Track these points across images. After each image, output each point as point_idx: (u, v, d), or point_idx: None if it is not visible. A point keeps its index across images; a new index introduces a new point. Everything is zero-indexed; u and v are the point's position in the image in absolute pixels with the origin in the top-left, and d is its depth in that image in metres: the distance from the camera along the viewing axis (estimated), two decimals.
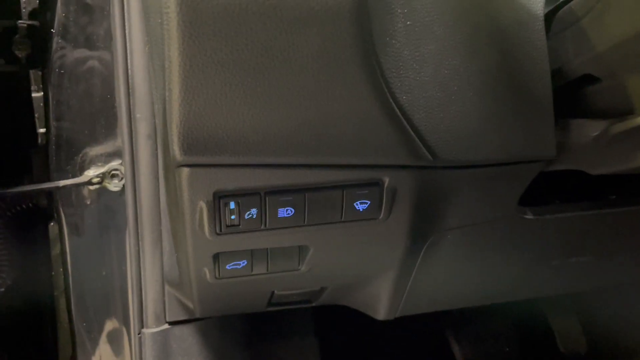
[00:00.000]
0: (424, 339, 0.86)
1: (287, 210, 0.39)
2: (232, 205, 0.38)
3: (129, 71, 0.48)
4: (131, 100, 0.49)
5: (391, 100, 0.36)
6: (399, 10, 0.34)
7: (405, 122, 0.37)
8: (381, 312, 0.56)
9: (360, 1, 0.32)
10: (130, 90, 0.49)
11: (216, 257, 0.43)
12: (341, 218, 0.40)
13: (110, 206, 0.58)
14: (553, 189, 0.50)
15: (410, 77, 0.36)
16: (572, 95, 0.42)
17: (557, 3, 0.41)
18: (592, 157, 0.43)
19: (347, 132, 0.35)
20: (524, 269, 0.54)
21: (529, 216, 0.48)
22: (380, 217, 0.41)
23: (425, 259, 0.50)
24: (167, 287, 0.55)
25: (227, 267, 0.44)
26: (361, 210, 0.40)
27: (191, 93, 0.32)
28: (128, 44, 0.48)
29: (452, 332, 0.87)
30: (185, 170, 0.36)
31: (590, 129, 0.40)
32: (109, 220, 0.59)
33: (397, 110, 0.36)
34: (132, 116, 0.49)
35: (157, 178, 0.50)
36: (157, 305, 0.56)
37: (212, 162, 0.35)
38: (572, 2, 0.40)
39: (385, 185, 0.40)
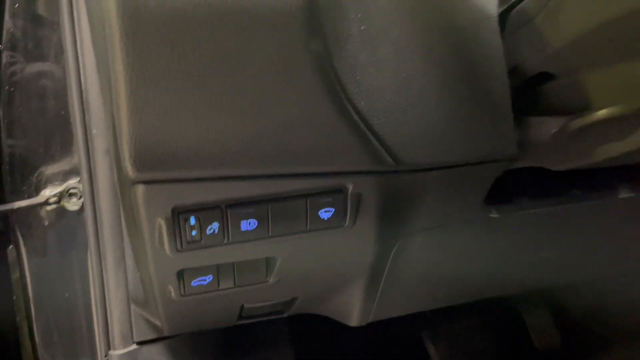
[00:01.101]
0: (400, 341, 0.86)
1: (250, 222, 0.38)
2: (192, 220, 0.36)
3: (83, 86, 0.47)
4: (86, 116, 0.48)
5: (349, 105, 0.35)
6: (352, 15, 0.34)
7: (365, 128, 0.36)
8: (354, 319, 0.55)
9: (312, 6, 0.31)
10: (84, 106, 0.47)
11: (180, 274, 0.41)
12: (306, 227, 0.40)
13: (70, 226, 0.56)
14: (520, 185, 0.51)
15: (368, 82, 0.35)
16: (531, 92, 0.42)
17: (510, 2, 0.42)
18: (553, 153, 0.43)
19: (305, 140, 0.35)
20: (493, 266, 0.54)
21: (494, 215, 0.48)
22: (346, 224, 0.41)
23: (394, 263, 0.49)
24: (133, 307, 0.54)
25: (193, 283, 0.42)
26: (326, 218, 0.39)
27: (139, 107, 0.31)
28: (80, 58, 0.47)
29: (427, 332, 0.87)
30: (141, 187, 0.35)
31: (549, 126, 0.41)
32: (70, 240, 0.57)
33: (356, 116, 0.35)
34: (88, 132, 0.48)
35: (117, 195, 0.49)
36: (123, 325, 0.54)
37: (168, 177, 0.34)
38: (524, 1, 0.40)
39: (349, 192, 0.39)
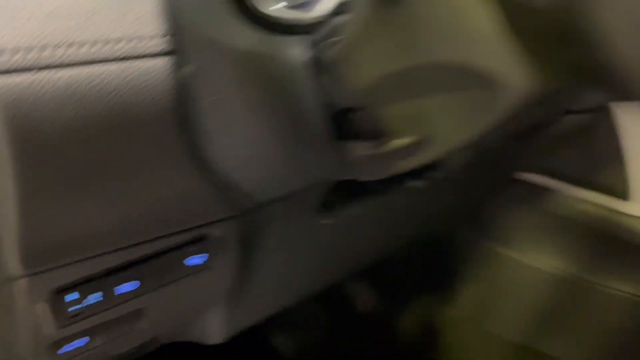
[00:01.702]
0: (249, 345, 0.92)
1: (128, 285, 0.40)
2: (73, 296, 0.37)
3: None
4: None
5: (213, 171, 0.40)
6: (206, 91, 0.38)
7: (227, 184, 0.41)
8: (212, 339, 0.60)
9: (181, 102, 0.35)
10: None
11: (56, 343, 0.42)
12: (177, 276, 0.43)
13: None
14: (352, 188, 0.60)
15: (225, 145, 0.40)
16: (347, 121, 0.51)
17: (316, 49, 0.50)
18: (365, 169, 0.54)
19: (177, 209, 0.39)
20: (331, 261, 0.64)
21: (327, 221, 0.58)
22: (211, 265, 0.45)
23: (250, 280, 0.55)
24: None
25: (67, 348, 0.43)
26: (194, 264, 0.44)
27: (29, 215, 0.32)
28: None
29: (270, 330, 0.95)
30: (23, 281, 0.35)
31: (361, 150, 0.50)
32: None
33: (219, 177, 0.40)
34: None
35: None
36: None
37: (52, 266, 0.35)
38: (327, 52, 0.48)
39: (214, 237, 0.44)
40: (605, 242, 0.76)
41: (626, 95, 0.33)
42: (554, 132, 0.75)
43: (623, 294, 0.76)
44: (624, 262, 0.76)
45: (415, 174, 0.64)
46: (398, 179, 0.63)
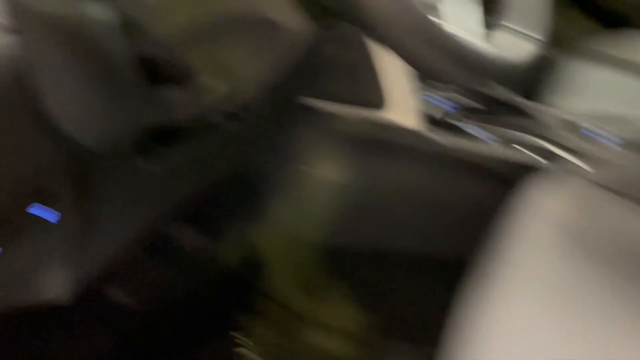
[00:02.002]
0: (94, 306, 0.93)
1: None
2: None
3: None
4: None
5: (54, 131, 0.43)
6: (36, 57, 0.41)
7: (66, 141, 0.45)
8: (59, 298, 0.63)
9: (23, 72, 0.37)
10: None
11: None
12: (28, 235, 0.46)
13: None
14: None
15: (57, 104, 0.44)
16: (159, 70, 0.56)
17: (123, 7, 0.54)
18: (178, 112, 0.60)
19: (29, 170, 0.42)
20: (159, 206, 0.71)
21: (152, 168, 0.63)
22: (58, 221, 0.49)
23: (88, 234, 0.59)
24: None
25: None
26: (44, 220, 0.47)
27: None
28: None
29: (108, 288, 0.96)
30: None
31: (174, 95, 0.57)
32: None
33: (59, 135, 0.44)
34: None
35: None
36: None
37: None
38: (133, 10, 0.53)
39: (59, 194, 0.47)
40: (373, 147, 0.96)
41: (373, 36, 0.46)
42: (325, 61, 0.90)
43: None
44: (385, 163, 0.97)
45: (225, 115, 0.73)
46: (211, 122, 0.71)
